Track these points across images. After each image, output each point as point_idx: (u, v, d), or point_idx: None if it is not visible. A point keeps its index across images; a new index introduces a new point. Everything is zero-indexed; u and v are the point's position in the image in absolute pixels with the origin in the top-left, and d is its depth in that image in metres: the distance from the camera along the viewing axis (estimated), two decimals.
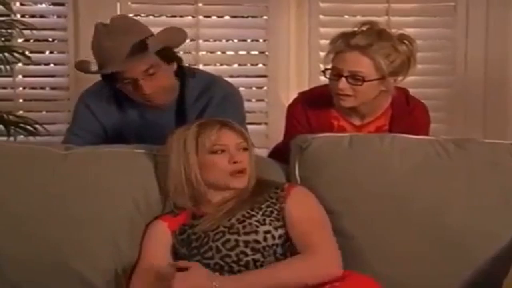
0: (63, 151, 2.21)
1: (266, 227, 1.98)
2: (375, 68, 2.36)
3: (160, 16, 3.55)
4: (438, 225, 2.11)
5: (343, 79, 2.37)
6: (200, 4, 3.45)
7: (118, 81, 2.38)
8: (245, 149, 2.06)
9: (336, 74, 2.39)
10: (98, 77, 2.49)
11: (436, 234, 2.11)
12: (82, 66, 2.42)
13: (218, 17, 3.58)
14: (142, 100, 2.42)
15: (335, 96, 2.43)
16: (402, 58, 2.40)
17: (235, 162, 2.02)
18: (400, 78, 2.44)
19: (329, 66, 2.42)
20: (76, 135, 2.51)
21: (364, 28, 2.40)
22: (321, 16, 3.49)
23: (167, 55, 2.41)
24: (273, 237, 1.98)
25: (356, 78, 2.36)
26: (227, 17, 3.59)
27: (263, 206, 2.03)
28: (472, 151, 2.19)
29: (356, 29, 2.40)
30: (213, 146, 2.02)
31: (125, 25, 2.38)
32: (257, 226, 1.98)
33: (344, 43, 2.38)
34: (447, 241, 2.10)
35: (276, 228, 1.99)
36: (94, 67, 2.37)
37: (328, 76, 2.44)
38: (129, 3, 3.42)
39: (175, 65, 2.46)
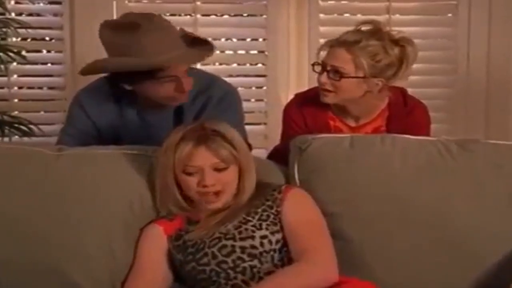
0: (55, 152, 2.17)
1: (263, 232, 1.95)
2: (354, 65, 2.37)
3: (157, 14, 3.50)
4: (442, 227, 2.08)
5: (325, 73, 2.40)
6: (198, 3, 3.42)
7: (151, 79, 2.28)
8: (223, 168, 1.98)
9: (321, 68, 2.42)
10: (96, 77, 2.44)
11: (440, 237, 2.08)
12: (96, 68, 2.32)
13: (217, 15, 3.54)
14: (166, 100, 2.36)
15: (319, 91, 2.44)
16: (390, 59, 2.38)
17: (204, 186, 1.96)
18: (391, 80, 2.42)
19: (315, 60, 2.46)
20: (69, 135, 2.48)
21: (362, 27, 2.40)
22: (321, 15, 3.46)
23: None
24: (270, 242, 1.95)
25: (335, 73, 2.37)
26: (225, 16, 3.56)
27: (259, 210, 1.99)
28: (476, 152, 2.16)
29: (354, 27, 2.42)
30: (185, 167, 1.97)
31: (164, 22, 2.34)
32: (253, 231, 1.95)
33: (335, 39, 2.40)
34: (451, 245, 2.07)
35: (273, 233, 1.96)
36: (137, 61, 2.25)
37: (313, 69, 2.46)
38: (126, 2, 3.38)
39: None
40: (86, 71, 2.36)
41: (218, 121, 2.05)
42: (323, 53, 2.47)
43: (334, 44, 2.40)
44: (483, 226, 2.08)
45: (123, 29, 2.25)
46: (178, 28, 2.38)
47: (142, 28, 2.23)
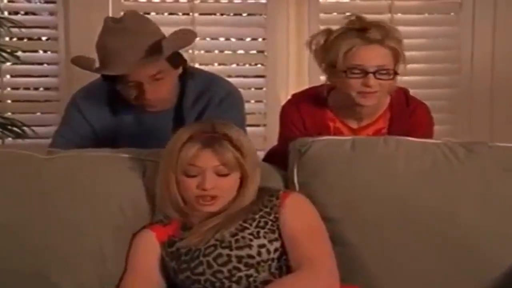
0: (46, 155, 2.13)
1: (261, 241, 1.90)
2: (398, 59, 2.31)
3: (156, 13, 3.45)
4: (447, 232, 2.04)
5: (371, 75, 2.28)
6: (196, 1, 3.39)
7: (120, 82, 2.30)
8: (224, 174, 1.92)
9: (360, 72, 2.29)
10: (91, 78, 2.41)
11: (445, 242, 2.04)
12: (82, 63, 2.34)
13: (215, 14, 3.50)
14: (141, 104, 2.34)
15: (357, 95, 2.32)
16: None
17: (203, 189, 1.91)
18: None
19: (344, 66, 2.30)
20: (64, 137, 2.44)
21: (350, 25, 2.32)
22: (321, 14, 3.42)
23: (176, 59, 2.34)
24: (268, 251, 1.89)
25: (386, 73, 2.28)
26: (224, 15, 3.52)
27: (256, 216, 1.94)
28: (482, 155, 2.11)
29: (351, 26, 2.32)
30: (188, 168, 1.92)
31: (138, 24, 2.29)
32: (251, 240, 1.89)
33: (360, 38, 2.28)
34: (457, 250, 2.03)
35: (271, 241, 1.91)
36: (97, 65, 2.28)
37: (349, 75, 2.30)
38: (122, 0, 3.34)
39: (180, 69, 2.39)
40: (75, 63, 2.39)
41: (229, 124, 1.99)
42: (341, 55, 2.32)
43: (360, 43, 2.27)
44: (489, 231, 2.04)
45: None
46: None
47: (110, 31, 2.25)
